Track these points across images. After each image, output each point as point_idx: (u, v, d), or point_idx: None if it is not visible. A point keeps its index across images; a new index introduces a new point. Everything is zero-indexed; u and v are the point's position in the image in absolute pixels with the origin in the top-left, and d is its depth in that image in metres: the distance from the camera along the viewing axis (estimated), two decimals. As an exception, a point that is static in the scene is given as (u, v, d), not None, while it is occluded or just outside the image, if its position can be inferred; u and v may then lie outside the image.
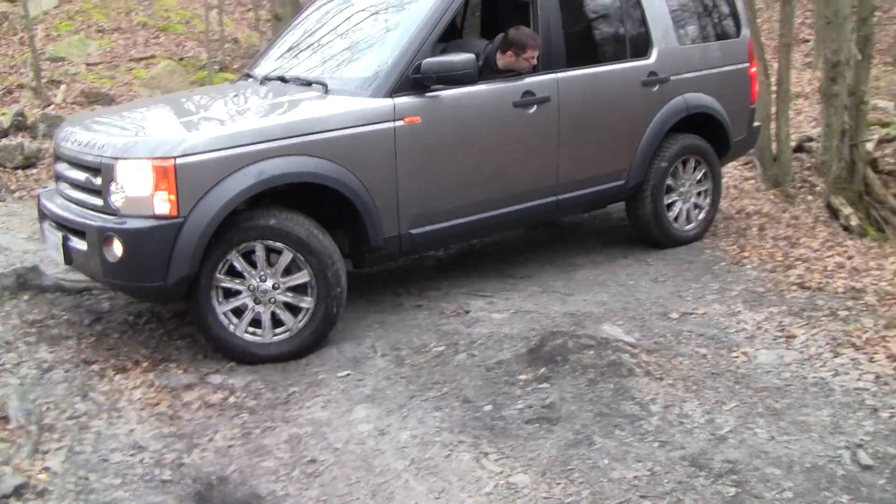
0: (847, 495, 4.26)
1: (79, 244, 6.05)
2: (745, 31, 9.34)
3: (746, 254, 8.40)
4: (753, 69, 9.47)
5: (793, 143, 13.20)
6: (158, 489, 4.63)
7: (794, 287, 7.44)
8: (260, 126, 6.20)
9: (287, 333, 6.21)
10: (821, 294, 7.23)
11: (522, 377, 5.57)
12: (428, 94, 6.79)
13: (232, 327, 6.10)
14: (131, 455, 4.93)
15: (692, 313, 6.87)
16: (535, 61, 7.45)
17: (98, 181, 5.98)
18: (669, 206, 8.64)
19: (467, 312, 6.88)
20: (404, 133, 6.66)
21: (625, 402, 5.22)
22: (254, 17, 20.98)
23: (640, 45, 8.30)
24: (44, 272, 7.25)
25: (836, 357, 5.94)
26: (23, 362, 5.93)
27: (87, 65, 16.05)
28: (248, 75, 7.99)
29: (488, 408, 5.25)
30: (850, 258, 8.31)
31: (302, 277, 6.18)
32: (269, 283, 6.12)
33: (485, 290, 7.44)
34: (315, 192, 6.36)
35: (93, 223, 5.91)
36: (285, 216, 6.14)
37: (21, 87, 14.45)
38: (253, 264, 6.09)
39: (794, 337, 6.33)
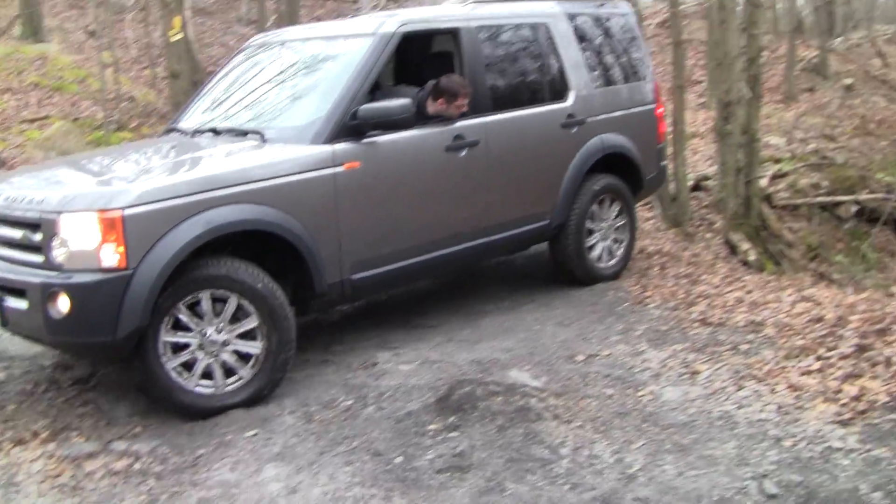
0: (755, 526, 4.35)
1: (17, 304, 5.88)
2: (651, 74, 9.72)
3: (649, 293, 8.53)
4: (660, 110, 9.80)
5: (690, 182, 13.48)
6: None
7: (696, 324, 7.57)
8: (206, 175, 6.22)
9: (240, 382, 6.19)
10: (722, 329, 7.36)
11: (432, 427, 5.57)
12: (365, 140, 6.91)
13: (182, 381, 6.02)
14: (32, 530, 4.84)
15: (597, 355, 6.95)
16: (465, 108, 7.63)
17: (37, 237, 5.82)
18: (590, 245, 8.87)
19: (375, 365, 6.87)
20: (344, 179, 6.77)
21: (535, 446, 5.26)
22: (150, 74, 20.84)
23: (558, 89, 8.60)
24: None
25: (739, 390, 6.04)
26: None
27: (-23, 128, 15.82)
28: (173, 129, 7.93)
29: (399, 459, 5.24)
30: (749, 292, 8.47)
31: (250, 323, 6.16)
32: (217, 333, 6.09)
33: (391, 341, 7.44)
34: (259, 240, 6.35)
35: (34, 280, 5.74)
36: (233, 264, 6.12)
37: None
38: (199, 315, 6.04)
39: (698, 373, 6.43)
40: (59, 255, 5.72)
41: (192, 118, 7.95)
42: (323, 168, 6.66)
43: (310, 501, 4.88)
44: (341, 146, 6.78)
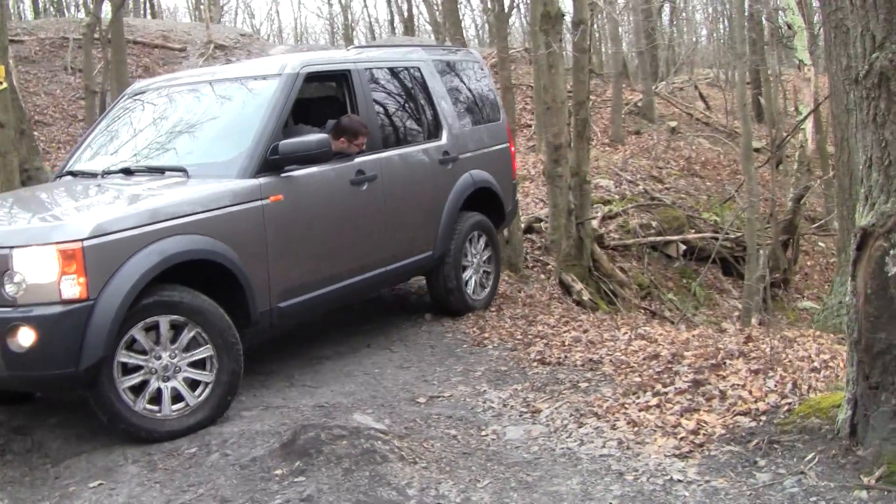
0: (602, 560, 4.39)
1: None
2: (503, 115, 10.39)
3: (487, 335, 8.61)
4: (513, 148, 10.44)
5: (523, 225, 13.62)
6: None
7: (535, 363, 7.66)
8: (155, 206, 6.32)
9: (185, 410, 6.25)
10: (561, 368, 7.47)
11: (278, 472, 5.48)
12: (283, 175, 7.17)
13: (130, 404, 6.03)
14: None
15: (439, 396, 6.98)
16: (363, 146, 8.02)
17: None
18: (465, 278, 9.34)
19: (216, 411, 6.76)
20: (270, 211, 7.02)
21: (381, 488, 5.23)
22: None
23: (433, 128, 9.14)
24: None
25: (580, 427, 6.11)
26: None
27: None
28: (73, 173, 7.89)
29: (245, 507, 5.18)
30: (585, 332, 8.63)
31: (205, 352, 6.30)
32: (170, 359, 6.17)
33: (232, 388, 7.33)
34: (195, 270, 6.44)
35: None
36: (190, 293, 6.26)
37: None
38: (154, 340, 6.12)
39: (539, 411, 6.49)
40: (12, 289, 5.70)
41: (91, 162, 7.96)
42: (253, 200, 6.89)
43: (153, 554, 4.76)
44: (265, 180, 7.04)
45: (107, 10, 22.03)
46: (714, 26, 41.92)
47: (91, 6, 21.09)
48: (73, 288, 5.68)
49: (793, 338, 7.71)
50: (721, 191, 19.70)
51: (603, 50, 32.32)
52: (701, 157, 22.82)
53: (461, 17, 24.49)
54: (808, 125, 16.11)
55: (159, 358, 6.14)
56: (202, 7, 42.72)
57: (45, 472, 5.95)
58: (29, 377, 5.90)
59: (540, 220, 14.55)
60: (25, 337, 5.61)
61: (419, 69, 9.26)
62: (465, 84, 9.98)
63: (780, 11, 19.57)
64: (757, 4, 21.30)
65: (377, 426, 6.17)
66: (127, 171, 7.37)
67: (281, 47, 34.21)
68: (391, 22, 51.99)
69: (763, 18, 23.58)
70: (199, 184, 6.84)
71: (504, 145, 10.18)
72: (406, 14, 46.24)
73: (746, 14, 18.26)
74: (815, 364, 6.74)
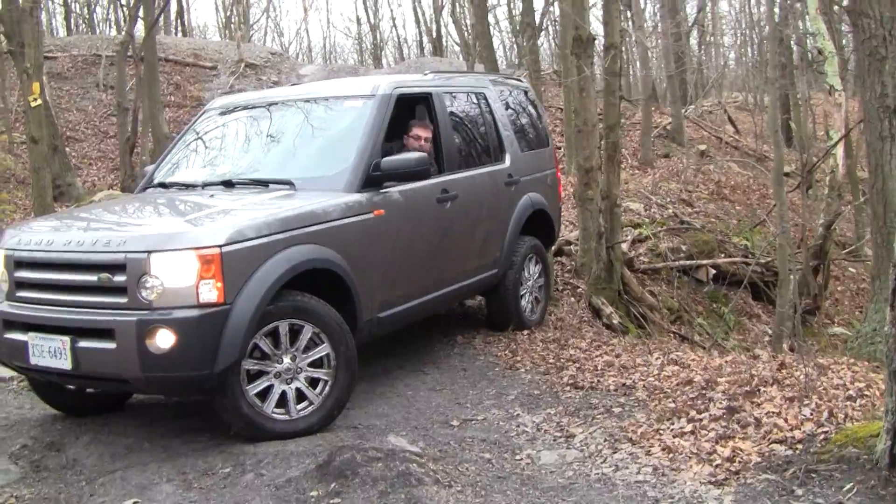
0: (641, 587, 4.40)
1: (97, 344, 6.04)
2: (551, 141, 10.81)
3: (519, 358, 8.64)
4: (559, 173, 10.91)
5: (553, 248, 13.60)
6: None
7: (567, 387, 7.68)
8: (283, 216, 6.61)
9: (311, 407, 6.59)
10: (594, 393, 7.48)
11: (313, 493, 5.51)
12: (382, 191, 7.52)
13: (259, 408, 6.35)
14: None
15: (472, 419, 7.01)
16: (423, 143, 8.60)
17: (121, 278, 6.02)
18: (522, 296, 9.90)
19: (250, 432, 6.78)
20: (374, 224, 7.38)
21: (417, 511, 5.26)
22: (7, 139, 20.45)
23: (498, 151, 9.48)
24: None
25: (615, 453, 6.13)
26: None
27: None
28: (163, 185, 8.12)
29: (281, 528, 5.20)
30: (617, 356, 8.64)
31: (322, 351, 6.61)
32: (292, 361, 6.51)
33: (265, 408, 7.36)
34: (311, 280, 6.70)
35: (126, 319, 5.94)
36: (311, 298, 6.59)
37: None
38: (276, 344, 6.44)
39: (573, 436, 6.51)
40: (148, 294, 5.96)
41: (181, 174, 8.28)
42: (360, 214, 7.25)
43: (193, 573, 4.79)
44: (369, 195, 7.39)
45: (139, 28, 22.22)
46: (743, 50, 41.89)
47: (124, 24, 21.30)
48: (210, 292, 5.95)
49: (827, 365, 7.67)
50: (751, 215, 19.65)
51: (632, 73, 32.30)
52: (730, 181, 22.79)
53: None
54: (839, 150, 16.01)
55: (282, 362, 6.44)
56: (232, 26, 42.96)
57: (80, 489, 6.02)
58: (164, 379, 6.07)
59: (570, 243, 14.54)
60: (165, 339, 5.85)
61: (485, 95, 9.62)
62: (518, 110, 10.35)
63: (809, 36, 19.55)
64: (787, 29, 21.27)
65: (412, 448, 6.21)
66: (228, 184, 7.59)
67: (311, 66, 34.39)
68: (420, 42, 52.25)
69: (792, 42, 23.56)
70: (310, 196, 7.08)
71: (552, 170, 10.63)
72: (434, 34, 46.43)
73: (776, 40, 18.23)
74: (851, 392, 6.70)
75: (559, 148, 22.71)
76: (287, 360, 6.46)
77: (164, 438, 6.74)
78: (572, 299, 12.72)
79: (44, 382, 7.08)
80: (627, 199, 17.74)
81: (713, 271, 16.10)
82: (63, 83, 25.11)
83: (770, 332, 14.54)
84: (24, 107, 15.42)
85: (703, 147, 25.58)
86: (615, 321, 12.11)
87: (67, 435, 6.90)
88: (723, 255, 16.53)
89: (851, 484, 5.00)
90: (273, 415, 6.41)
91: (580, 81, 12.53)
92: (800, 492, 5.12)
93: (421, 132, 8.56)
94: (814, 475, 5.23)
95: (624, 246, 14.31)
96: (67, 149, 19.87)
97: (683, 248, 16.26)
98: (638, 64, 30.69)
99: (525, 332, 9.68)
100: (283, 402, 6.47)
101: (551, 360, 8.54)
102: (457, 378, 8.16)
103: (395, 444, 6.29)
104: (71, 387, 7.16)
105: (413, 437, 6.57)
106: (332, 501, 5.40)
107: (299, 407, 6.54)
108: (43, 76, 15.47)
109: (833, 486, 5.07)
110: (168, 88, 25.47)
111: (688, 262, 15.86)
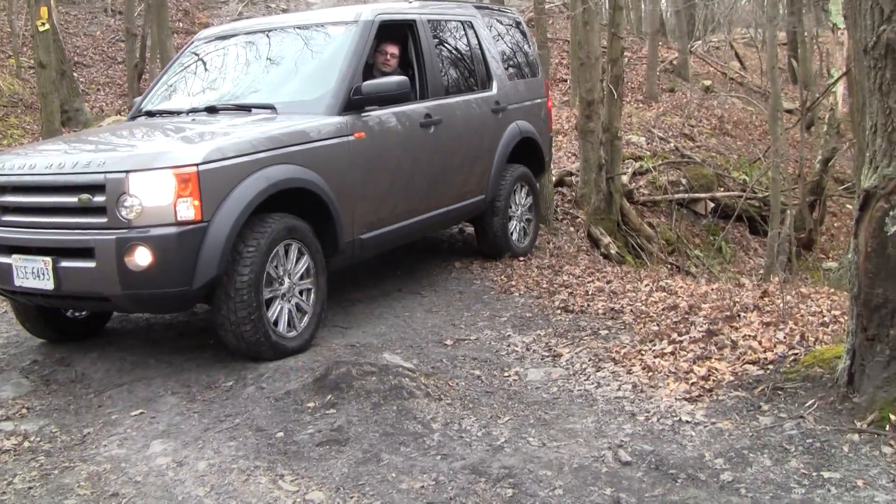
0: (610, 488, 4.70)
1: (78, 263, 6.17)
2: (541, 72, 10.89)
3: (514, 283, 8.91)
4: (550, 103, 10.96)
5: (554, 178, 13.86)
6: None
7: (558, 311, 7.97)
8: (260, 136, 6.71)
9: (307, 317, 7.00)
10: (583, 316, 7.78)
11: (310, 404, 5.83)
12: (363, 114, 7.62)
13: (277, 332, 6.69)
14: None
15: (465, 339, 7.30)
16: (390, 59, 8.67)
17: (100, 198, 6.11)
18: (510, 225, 10.05)
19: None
20: (355, 147, 7.48)
21: (408, 421, 5.56)
22: (14, 64, 20.58)
23: (484, 79, 9.59)
24: None
25: (598, 371, 6.43)
26: None
27: None
28: (152, 112, 8.28)
29: (280, 434, 5.49)
30: (609, 283, 8.92)
31: (305, 263, 6.94)
32: (289, 280, 6.82)
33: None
34: (290, 201, 6.87)
35: (105, 237, 6.05)
36: (286, 217, 6.78)
37: None
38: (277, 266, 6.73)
39: (560, 355, 6.81)
40: (127, 212, 6.04)
41: (168, 103, 8.41)
42: (341, 136, 7.35)
43: (197, 473, 5.10)
44: (350, 118, 7.48)
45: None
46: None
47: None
48: (188, 210, 6.04)
49: (807, 294, 7.97)
50: (751, 150, 19.82)
51: (642, 6, 32.25)
52: (733, 116, 22.90)
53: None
54: (840, 88, 16.16)
55: (283, 283, 6.74)
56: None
57: (89, 400, 6.33)
58: (143, 295, 6.21)
59: (571, 174, 14.76)
60: (143, 256, 5.98)
61: (472, 24, 9.70)
62: (507, 40, 10.44)
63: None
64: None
65: (405, 364, 6.51)
66: (212, 110, 7.71)
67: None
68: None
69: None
70: (291, 119, 7.21)
71: (542, 100, 10.68)
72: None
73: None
74: (826, 319, 6.99)
75: (565, 80, 22.86)
76: (287, 280, 6.74)
77: (168, 355, 7.04)
78: (571, 229, 12.99)
79: (26, 310, 7.27)
80: (630, 132, 17.93)
81: (711, 205, 16.36)
82: (70, 7, 25.09)
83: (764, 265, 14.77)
84: (31, 31, 15.59)
85: (707, 83, 25.65)
86: (613, 251, 12.40)
87: (76, 352, 7.20)
88: (721, 189, 16.77)
89: (813, 400, 5.32)
90: (286, 335, 6.71)
91: (584, 14, 12.72)
92: (766, 407, 5.43)
93: (389, 48, 8.63)
94: (780, 392, 5.53)
95: (624, 178, 14.57)
96: (75, 74, 20.00)
97: (683, 181, 16.49)
98: (646, -2, 30.60)
99: (521, 259, 9.93)
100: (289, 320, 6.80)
101: (545, 286, 8.81)
102: (453, 301, 8.42)
103: (389, 361, 6.59)
104: (50, 310, 7.27)
105: (407, 354, 6.86)
106: (327, 412, 5.72)
107: (302, 323, 6.90)
108: (51, 1, 15.62)
109: (797, 402, 5.37)
110: (177, 14, 25.45)
111: (686, 195, 16.10)
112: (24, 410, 6.20)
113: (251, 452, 5.31)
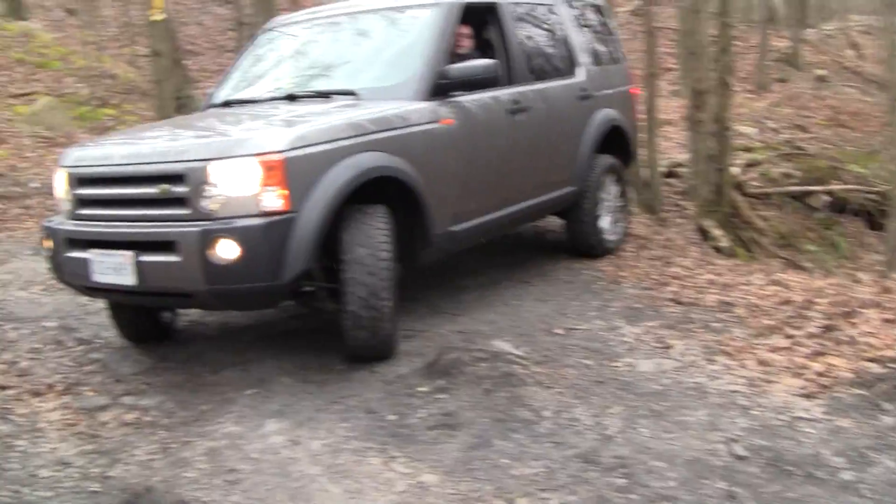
0: (724, 482, 4.63)
1: (161, 258, 5.82)
2: (624, 58, 10.52)
3: (623, 273, 8.82)
4: (635, 90, 10.67)
5: (663, 169, 13.73)
6: (89, 500, 4.83)
7: (669, 303, 7.87)
8: (346, 122, 6.42)
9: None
10: (694, 308, 7.67)
11: (421, 389, 5.86)
12: (450, 100, 7.30)
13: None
14: (58, 470, 5.13)
15: (575, 329, 7.24)
16: (464, 40, 8.23)
17: (181, 189, 5.82)
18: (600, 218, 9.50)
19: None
20: (443, 134, 7.15)
21: (519, 408, 5.55)
22: (130, 53, 20.94)
23: (570, 65, 9.26)
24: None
25: (710, 364, 6.34)
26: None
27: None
28: (228, 102, 7.93)
29: (392, 417, 5.53)
30: (720, 275, 8.80)
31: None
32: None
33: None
34: (377, 191, 6.46)
35: (189, 230, 5.72)
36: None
37: None
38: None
39: (671, 347, 6.73)
40: (210, 203, 5.75)
41: (245, 92, 8.05)
42: (429, 123, 7.01)
43: (311, 452, 5.16)
44: (436, 103, 7.16)
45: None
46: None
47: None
48: (275, 200, 5.72)
49: (932, 291, 7.79)
50: (868, 142, 19.41)
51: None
52: (849, 106, 22.41)
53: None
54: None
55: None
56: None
57: (204, 379, 6.45)
58: (230, 291, 5.84)
59: (680, 165, 14.60)
60: (228, 249, 5.62)
61: (555, 8, 9.39)
62: (592, 25, 10.10)
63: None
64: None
65: (516, 352, 6.48)
66: (291, 97, 7.37)
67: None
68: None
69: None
70: (375, 105, 6.85)
71: (627, 87, 10.35)
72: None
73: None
74: (951, 318, 6.84)
75: (672, 70, 22.63)
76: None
77: (283, 337, 7.15)
78: (680, 220, 12.84)
79: (122, 313, 7.01)
80: (740, 123, 17.65)
81: (827, 198, 16.00)
82: (183, -3, 25.56)
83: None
84: (144, 21, 15.84)
85: (821, 72, 25.19)
86: (723, 244, 12.20)
87: (192, 331, 7.38)
88: (837, 182, 16.41)
89: (938, 400, 5.20)
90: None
91: (693, 2, 12.57)
92: (888, 406, 5.32)
93: (463, 29, 8.18)
94: (902, 391, 5.42)
95: (735, 170, 14.35)
96: (187, 62, 20.31)
97: (796, 173, 16.18)
98: (758, -14, 30.11)
99: (630, 249, 9.84)
100: None
101: (655, 277, 8.72)
102: (562, 290, 8.35)
103: (500, 348, 6.56)
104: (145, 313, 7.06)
105: (517, 342, 6.81)
106: (438, 396, 5.74)
107: None
108: (166, -10, 15.83)
109: (920, 401, 5.27)
110: (284, 3, 25.74)
111: (800, 188, 15.79)
112: (143, 386, 6.34)
113: (363, 434, 5.35)
